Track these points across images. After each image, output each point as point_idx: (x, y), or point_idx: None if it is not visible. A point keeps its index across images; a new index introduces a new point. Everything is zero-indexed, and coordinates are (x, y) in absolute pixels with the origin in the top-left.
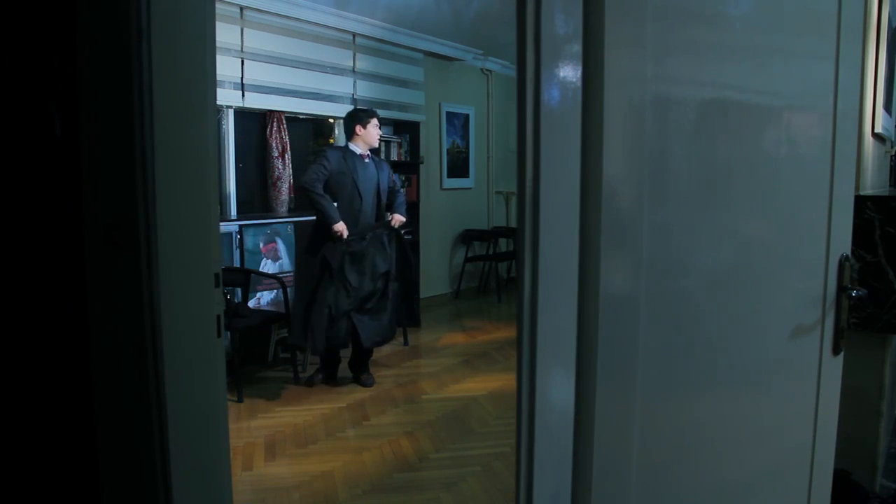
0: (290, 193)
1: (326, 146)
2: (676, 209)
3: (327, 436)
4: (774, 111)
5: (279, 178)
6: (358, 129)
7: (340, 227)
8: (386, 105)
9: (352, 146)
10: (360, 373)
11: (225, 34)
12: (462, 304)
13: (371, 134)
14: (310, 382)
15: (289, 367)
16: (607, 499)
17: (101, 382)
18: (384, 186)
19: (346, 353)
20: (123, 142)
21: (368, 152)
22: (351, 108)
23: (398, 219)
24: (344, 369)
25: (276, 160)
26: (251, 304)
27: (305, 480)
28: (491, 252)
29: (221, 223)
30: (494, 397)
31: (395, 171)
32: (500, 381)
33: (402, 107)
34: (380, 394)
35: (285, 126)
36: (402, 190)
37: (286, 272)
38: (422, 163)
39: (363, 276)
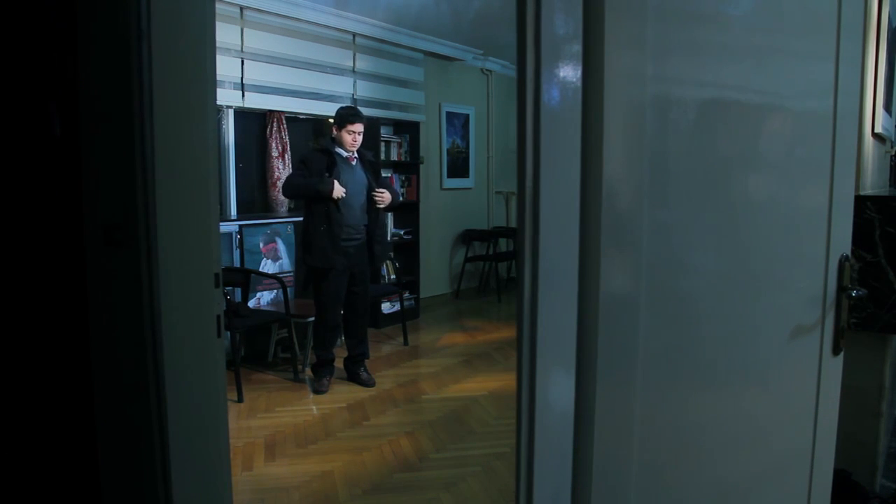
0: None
1: (305, 150)
2: (676, 209)
3: (327, 436)
4: (774, 111)
5: (279, 178)
6: (333, 129)
7: (338, 190)
8: (386, 105)
9: (337, 148)
10: (356, 371)
11: (225, 34)
12: (462, 304)
13: (343, 139)
14: (320, 390)
15: (289, 367)
16: (607, 499)
17: (101, 382)
18: (374, 187)
19: (342, 354)
20: (123, 142)
21: (355, 154)
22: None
23: (385, 197)
24: (342, 371)
25: (276, 160)
26: (251, 304)
27: (305, 480)
28: (491, 252)
29: (221, 223)
30: (494, 397)
31: (394, 171)
32: (500, 381)
33: (402, 107)
34: (380, 394)
35: (285, 126)
36: (394, 189)
37: (286, 272)
38: (422, 163)
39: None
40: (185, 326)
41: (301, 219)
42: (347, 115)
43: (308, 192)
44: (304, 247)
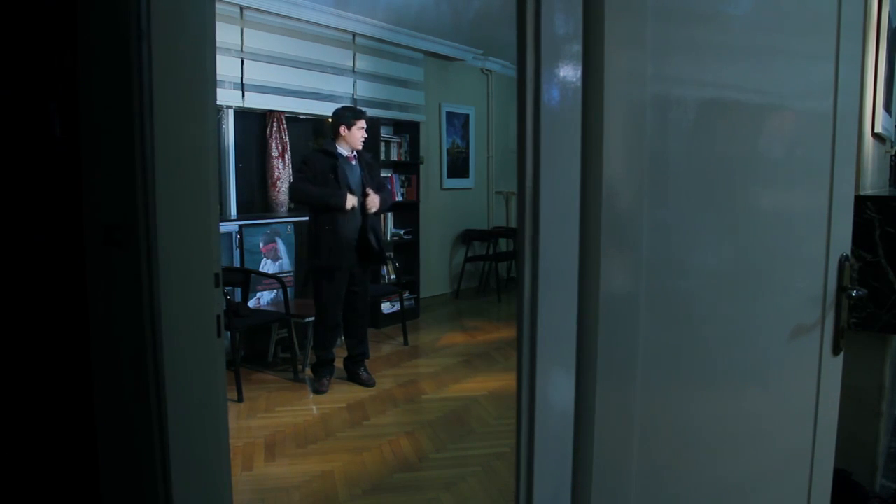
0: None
1: (307, 151)
2: (676, 209)
3: (327, 436)
4: (774, 111)
5: (279, 178)
6: (342, 129)
7: (350, 200)
8: (386, 105)
9: (339, 147)
10: (356, 371)
11: (225, 34)
12: (462, 304)
13: (354, 136)
14: (320, 390)
15: (289, 367)
16: (607, 499)
17: (101, 382)
18: (373, 186)
19: (341, 354)
20: (123, 142)
21: (354, 153)
22: (338, 106)
23: (373, 200)
24: (342, 371)
25: (276, 160)
26: (251, 304)
27: (305, 480)
28: (491, 252)
29: (221, 223)
30: (494, 397)
31: (394, 171)
32: (500, 381)
33: (402, 107)
34: (380, 394)
35: (285, 126)
36: (389, 188)
37: (286, 272)
38: (422, 163)
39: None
40: (185, 326)
41: (305, 218)
42: (357, 113)
43: (319, 204)
44: (310, 248)
